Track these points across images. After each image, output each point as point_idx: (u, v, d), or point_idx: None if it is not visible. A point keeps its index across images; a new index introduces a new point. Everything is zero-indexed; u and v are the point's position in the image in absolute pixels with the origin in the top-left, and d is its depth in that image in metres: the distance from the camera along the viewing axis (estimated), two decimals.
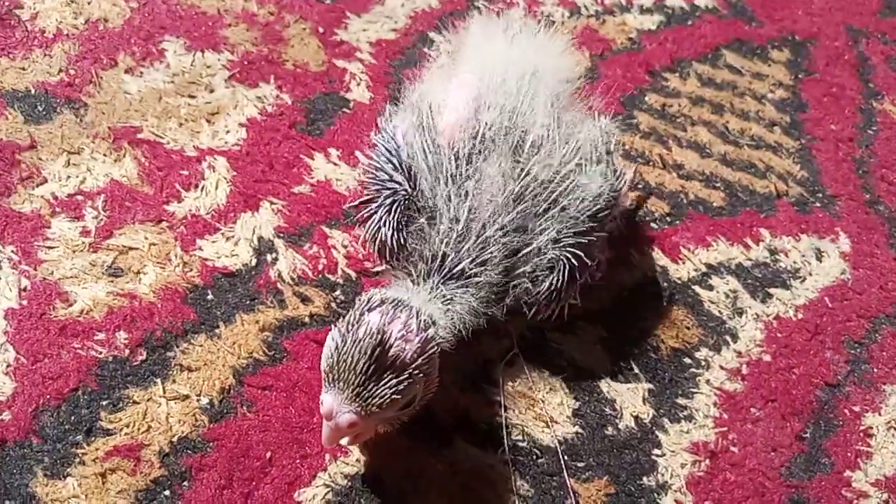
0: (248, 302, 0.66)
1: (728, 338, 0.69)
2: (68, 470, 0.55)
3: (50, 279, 0.64)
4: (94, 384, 0.59)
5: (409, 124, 0.60)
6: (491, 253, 0.56)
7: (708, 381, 0.66)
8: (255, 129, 0.77)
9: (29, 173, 0.70)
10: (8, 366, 0.59)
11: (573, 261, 0.57)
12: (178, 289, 0.65)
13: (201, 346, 0.62)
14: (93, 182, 0.71)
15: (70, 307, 0.63)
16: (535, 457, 0.60)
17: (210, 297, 0.65)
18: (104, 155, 0.73)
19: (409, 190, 0.57)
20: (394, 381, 0.49)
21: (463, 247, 0.55)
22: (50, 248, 0.66)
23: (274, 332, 0.64)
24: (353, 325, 0.50)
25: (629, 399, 0.64)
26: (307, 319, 0.65)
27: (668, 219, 0.77)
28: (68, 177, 0.71)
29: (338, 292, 0.68)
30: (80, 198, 0.69)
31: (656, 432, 0.63)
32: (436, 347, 0.52)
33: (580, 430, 0.62)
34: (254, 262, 0.68)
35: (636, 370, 0.66)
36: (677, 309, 0.71)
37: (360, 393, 0.48)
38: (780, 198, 0.80)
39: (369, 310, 0.51)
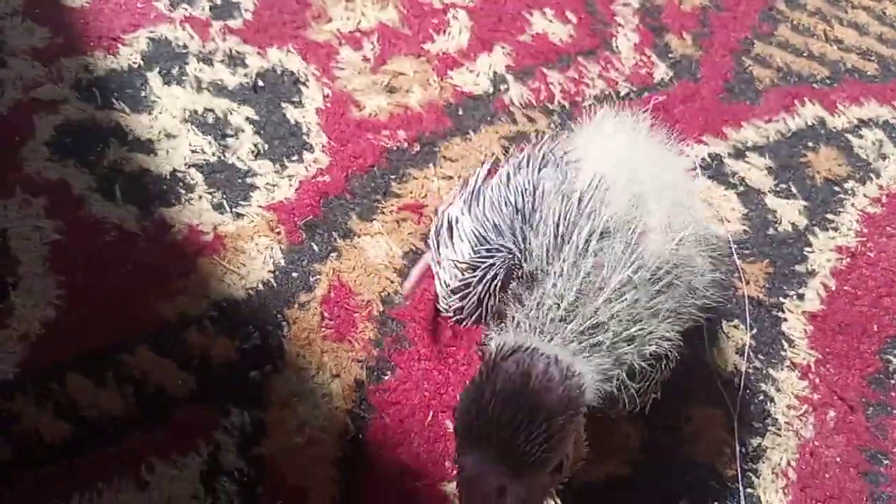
0: (489, 118, 0.85)
1: (872, 175, 0.85)
2: (373, 216, 0.77)
3: (345, 90, 0.85)
4: (386, 164, 0.80)
5: (550, 185, 0.54)
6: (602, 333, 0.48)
7: (853, 205, 0.82)
8: None
9: (318, 13, 0.91)
10: (323, 146, 0.81)
11: (673, 356, 0.52)
12: (438, 104, 0.85)
13: (458, 145, 0.83)
14: (366, 23, 0.91)
15: (361, 111, 0.84)
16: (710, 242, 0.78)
17: (461, 112, 0.85)
18: (373, 3, 0.92)
19: (520, 253, 0.52)
20: (544, 434, 0.42)
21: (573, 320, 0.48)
22: (341, 68, 0.87)
23: (508, 140, 0.84)
24: (489, 377, 0.44)
25: (788, 211, 0.81)
26: (532, 134, 0.84)
27: (828, 81, 0.92)
28: (348, 18, 0.91)
29: (555, 116, 0.86)
30: (358, 34, 0.90)
31: (808, 236, 0.80)
32: (583, 398, 0.46)
33: (748, 228, 0.80)
34: (491, 89, 0.87)
35: (795, 191, 0.83)
36: (830, 150, 0.86)
37: (508, 450, 0.42)
38: None
39: (503, 358, 0.45)
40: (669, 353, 0.52)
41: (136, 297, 0.69)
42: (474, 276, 0.54)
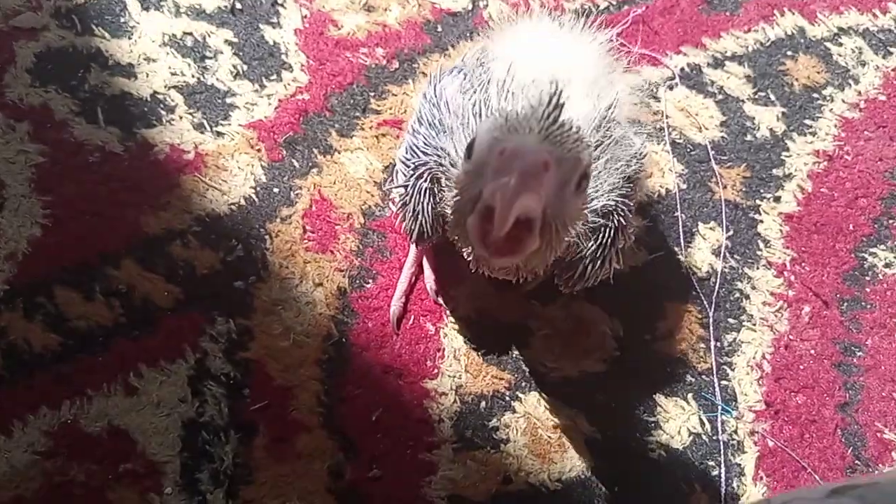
0: (468, 34, 0.85)
1: (851, 81, 0.85)
2: (353, 133, 0.78)
3: (323, 10, 0.85)
4: (364, 81, 0.81)
5: (451, 90, 0.58)
6: None
7: (831, 110, 0.83)
8: None
9: None
10: (302, 66, 0.81)
11: (625, 213, 0.56)
12: (416, 21, 0.85)
13: (436, 61, 0.83)
14: None
15: (339, 29, 0.84)
16: (689, 150, 0.79)
17: (440, 29, 0.85)
18: None
19: (452, 156, 0.53)
20: (576, 132, 0.44)
21: None
22: None
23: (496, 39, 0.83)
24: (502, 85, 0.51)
25: (766, 117, 0.82)
26: None
27: None
28: None
29: None
30: None
31: (786, 141, 0.80)
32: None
33: (725, 136, 0.80)
34: (470, 6, 0.87)
35: (773, 98, 0.83)
36: (809, 58, 0.86)
37: (550, 134, 0.42)
38: None
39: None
40: (618, 206, 0.55)
41: (120, 213, 0.71)
42: (407, 196, 0.58)
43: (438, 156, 0.55)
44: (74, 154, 0.73)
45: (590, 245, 0.55)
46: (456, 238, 0.54)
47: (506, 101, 0.53)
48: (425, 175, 0.57)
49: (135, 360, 0.65)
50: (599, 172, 0.54)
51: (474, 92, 0.56)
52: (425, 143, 0.58)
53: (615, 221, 0.55)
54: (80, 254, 0.69)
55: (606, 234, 0.55)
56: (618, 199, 0.55)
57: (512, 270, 0.55)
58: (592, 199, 0.53)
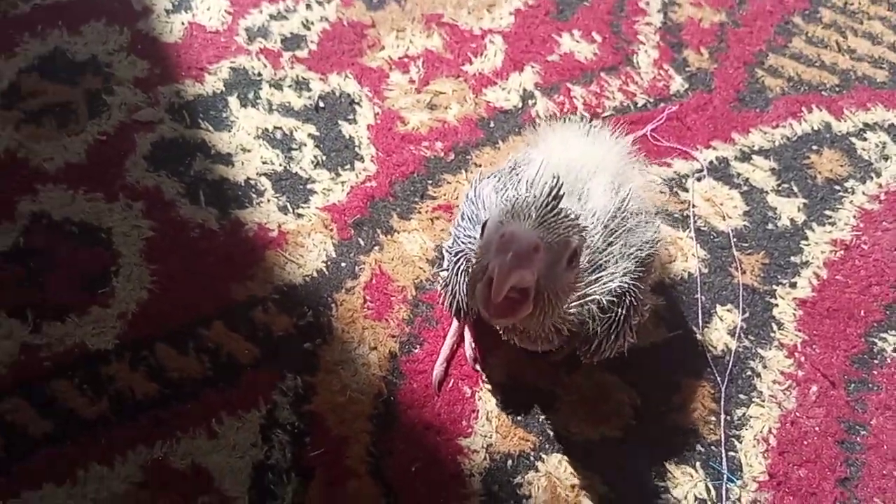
0: (517, 129, 0.96)
1: (873, 174, 0.91)
2: (411, 216, 0.89)
3: (392, 108, 0.98)
4: (424, 171, 0.93)
5: (489, 189, 0.68)
6: None
7: (851, 202, 0.89)
8: (521, 16, 1.07)
9: (373, 42, 1.04)
10: (372, 157, 0.94)
11: (637, 294, 0.64)
12: (472, 118, 0.97)
13: (487, 153, 0.94)
14: (414, 50, 1.04)
15: (406, 126, 0.97)
16: (712, 236, 0.87)
17: (492, 125, 0.97)
18: (420, 32, 1.05)
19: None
20: (570, 220, 0.55)
21: None
22: (390, 90, 1.00)
23: (530, 145, 0.94)
24: (529, 183, 0.58)
25: (788, 208, 0.89)
26: None
27: (837, 89, 0.99)
28: (398, 46, 1.04)
29: None
30: (406, 59, 1.03)
31: (805, 230, 0.87)
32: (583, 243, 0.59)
33: (748, 224, 0.88)
34: (520, 104, 0.98)
35: (796, 190, 0.90)
36: (834, 153, 0.93)
37: (543, 222, 0.53)
38: None
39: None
40: (631, 288, 0.63)
41: (214, 282, 0.84)
42: (448, 278, 0.70)
43: (471, 244, 0.65)
44: (180, 230, 0.88)
45: (605, 322, 0.63)
46: (473, 301, 0.63)
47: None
48: (462, 261, 0.68)
49: (217, 409, 0.77)
50: (615, 257, 0.63)
51: (505, 190, 0.66)
52: (465, 235, 0.68)
53: (628, 301, 0.64)
54: (179, 316, 0.82)
55: (620, 313, 0.64)
56: (631, 281, 0.63)
57: (527, 336, 0.65)
58: (608, 282, 0.62)
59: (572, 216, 0.55)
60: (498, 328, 0.68)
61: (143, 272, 0.84)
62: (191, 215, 0.88)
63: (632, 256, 0.64)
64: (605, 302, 0.63)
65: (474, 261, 0.59)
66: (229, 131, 0.95)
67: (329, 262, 0.86)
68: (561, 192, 0.54)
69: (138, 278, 0.84)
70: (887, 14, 1.05)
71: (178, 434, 0.76)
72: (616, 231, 0.64)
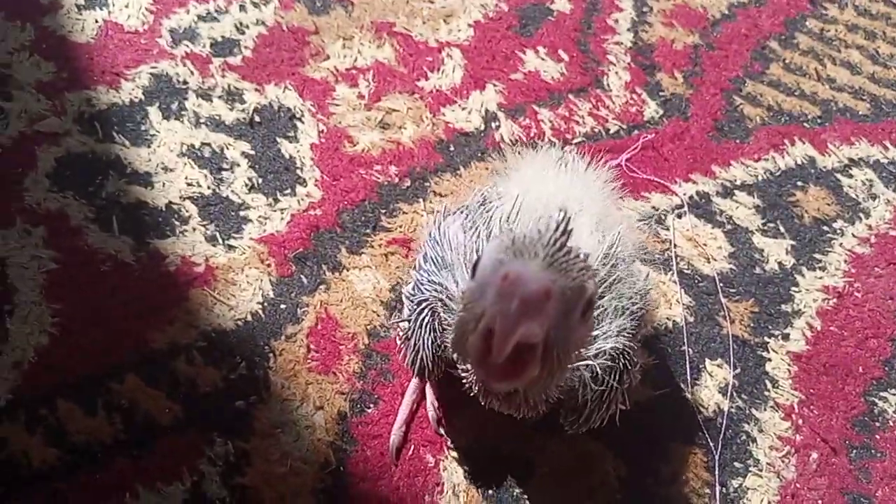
0: (479, 154, 0.87)
1: (861, 215, 0.85)
2: (362, 250, 0.78)
3: (339, 126, 0.87)
4: (376, 198, 0.82)
5: (455, 227, 0.59)
6: None
7: (841, 245, 0.83)
8: (480, 28, 0.97)
9: (316, 51, 0.93)
10: (316, 181, 0.82)
11: (632, 355, 0.56)
12: (429, 140, 0.87)
13: (448, 180, 0.84)
14: (363, 61, 0.93)
15: (355, 146, 0.85)
16: (697, 280, 0.79)
17: (452, 148, 0.87)
18: (370, 42, 0.94)
19: (451, 290, 0.54)
20: (582, 261, 0.43)
21: None
22: (337, 105, 0.89)
23: (500, 177, 0.85)
24: (506, 220, 0.52)
25: (775, 250, 0.82)
26: None
27: (819, 120, 0.92)
28: (345, 56, 0.93)
29: None
30: (354, 72, 0.92)
31: (795, 276, 0.80)
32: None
33: (734, 267, 0.80)
34: (482, 126, 0.89)
35: (782, 230, 0.83)
36: (820, 190, 0.87)
37: (553, 261, 0.41)
38: None
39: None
40: (625, 349, 0.54)
41: (127, 326, 0.71)
42: (409, 330, 0.61)
43: (438, 291, 0.56)
44: (86, 263, 0.74)
45: (596, 388, 0.54)
46: (456, 356, 0.53)
47: (513, 226, 0.54)
48: (427, 312, 0.58)
49: (132, 481, 0.64)
50: (606, 312, 0.54)
51: (476, 229, 0.56)
52: (428, 280, 0.59)
53: (621, 364, 0.55)
54: (85, 366, 0.69)
55: (613, 377, 0.55)
56: (625, 342, 0.54)
57: (514, 402, 0.54)
58: (600, 344, 0.53)
59: (582, 256, 0.43)
60: (476, 389, 0.56)
61: (43, 312, 0.71)
62: (101, 244, 0.75)
63: (626, 311, 0.55)
64: (598, 368, 0.53)
65: (459, 308, 0.47)
66: (149, 147, 0.82)
67: (266, 304, 0.74)
68: (570, 227, 0.42)
69: (37, 320, 0.71)
70: (864, 43, 1.00)
71: None
72: (606, 280, 0.54)
